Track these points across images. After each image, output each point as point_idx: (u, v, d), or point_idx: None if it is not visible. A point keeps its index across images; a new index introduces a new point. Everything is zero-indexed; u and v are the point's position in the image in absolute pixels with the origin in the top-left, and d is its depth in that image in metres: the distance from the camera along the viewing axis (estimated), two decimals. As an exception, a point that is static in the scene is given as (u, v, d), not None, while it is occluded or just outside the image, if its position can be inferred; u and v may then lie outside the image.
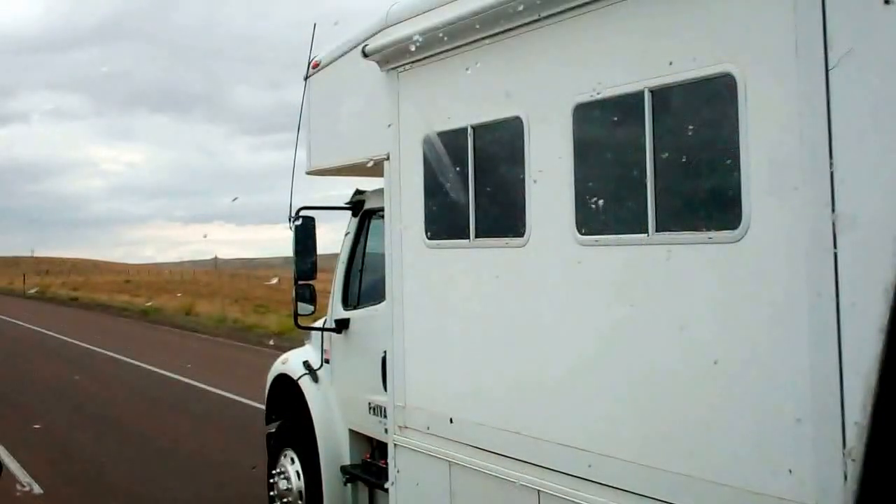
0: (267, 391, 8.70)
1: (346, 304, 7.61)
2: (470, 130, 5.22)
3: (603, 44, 4.39)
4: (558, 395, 4.66)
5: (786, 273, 3.52)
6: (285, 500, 7.99)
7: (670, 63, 3.93)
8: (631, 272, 4.23)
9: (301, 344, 8.72)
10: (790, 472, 3.49)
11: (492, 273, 5.12)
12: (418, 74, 5.71)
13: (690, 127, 3.92)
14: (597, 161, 4.49)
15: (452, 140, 5.37)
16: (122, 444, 13.01)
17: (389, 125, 5.92)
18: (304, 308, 7.48)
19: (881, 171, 3.21)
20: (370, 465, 7.28)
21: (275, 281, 44.73)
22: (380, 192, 6.47)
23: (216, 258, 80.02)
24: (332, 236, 8.36)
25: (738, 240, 3.67)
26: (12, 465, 11.35)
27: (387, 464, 6.24)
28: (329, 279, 7.93)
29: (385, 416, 6.36)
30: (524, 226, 4.82)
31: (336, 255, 7.91)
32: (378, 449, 7.12)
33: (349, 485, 7.47)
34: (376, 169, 6.23)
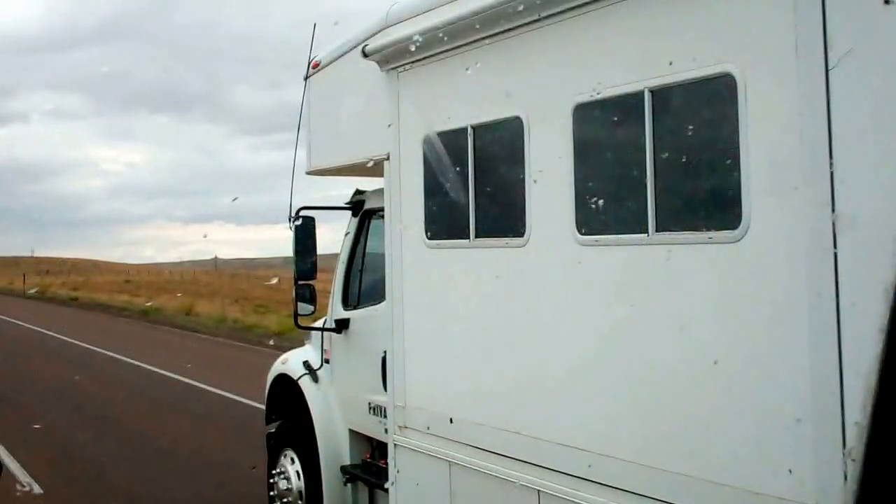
0: (267, 391, 8.69)
1: (346, 304, 7.60)
2: (470, 130, 5.22)
3: (603, 44, 4.39)
4: (558, 395, 4.66)
5: (786, 273, 3.52)
6: (285, 500, 7.98)
7: (670, 63, 3.93)
8: (631, 272, 4.23)
9: (301, 344, 8.72)
10: (790, 472, 3.49)
11: (492, 273, 5.12)
12: (418, 74, 5.71)
13: (690, 127, 3.92)
14: (597, 161, 4.49)
15: (452, 140, 5.37)
16: (122, 444, 13.01)
17: (389, 125, 5.92)
18: (304, 308, 7.48)
19: (881, 171, 3.21)
20: (370, 465, 7.28)
21: (275, 281, 44.69)
22: (380, 192, 6.47)
23: (216, 258, 79.92)
24: (332, 236, 8.37)
25: (738, 240, 3.67)
26: (12, 465, 11.35)
27: (387, 464, 6.24)
28: (329, 279, 7.93)
29: (385, 416, 6.36)
30: (524, 226, 4.81)
31: (336, 255, 7.90)
32: (378, 449, 7.12)
33: (349, 485, 7.47)
34: (376, 169, 6.23)
